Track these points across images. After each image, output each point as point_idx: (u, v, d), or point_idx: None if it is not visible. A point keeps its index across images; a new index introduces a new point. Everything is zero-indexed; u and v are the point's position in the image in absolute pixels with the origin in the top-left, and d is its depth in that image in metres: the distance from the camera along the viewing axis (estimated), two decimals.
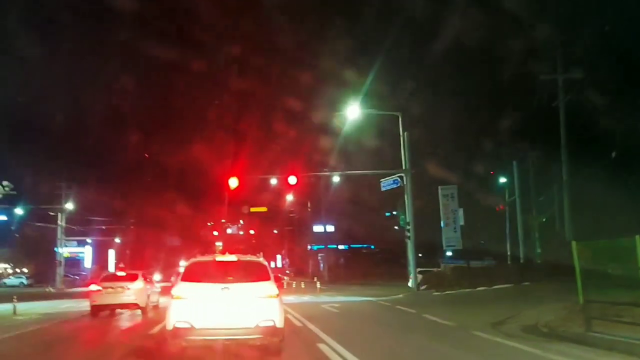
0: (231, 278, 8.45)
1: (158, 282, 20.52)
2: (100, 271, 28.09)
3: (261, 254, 10.03)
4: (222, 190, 26.58)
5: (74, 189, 45.88)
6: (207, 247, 50.03)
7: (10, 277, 54.31)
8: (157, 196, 55.28)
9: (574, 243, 12.86)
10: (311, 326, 12.21)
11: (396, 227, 41.00)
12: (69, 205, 45.86)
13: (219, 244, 59.67)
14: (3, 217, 43.99)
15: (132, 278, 17.32)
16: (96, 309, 16.61)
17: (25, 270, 57.61)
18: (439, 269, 33.21)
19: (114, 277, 17.95)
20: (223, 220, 77.72)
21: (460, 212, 28.12)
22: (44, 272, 49.13)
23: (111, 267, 49.18)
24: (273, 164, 32.16)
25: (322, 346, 9.24)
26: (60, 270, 46.26)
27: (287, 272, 50.99)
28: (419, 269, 26.62)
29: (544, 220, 35.29)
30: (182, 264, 40.46)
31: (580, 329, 9.96)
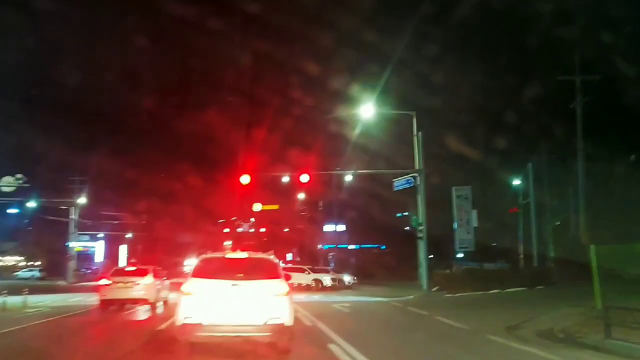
0: (241, 275, 8.40)
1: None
2: (111, 266, 28.14)
3: (272, 251, 9.88)
4: (234, 187, 26.41)
5: (87, 183, 46.11)
6: (218, 245, 50.02)
7: (23, 270, 54.74)
8: (169, 194, 55.54)
9: (592, 247, 12.55)
10: (322, 326, 12.03)
11: (407, 228, 40.67)
12: (82, 200, 46.06)
13: (227, 243, 59.52)
14: (15, 210, 44.25)
15: (142, 273, 17.25)
16: (105, 303, 16.57)
17: (38, 263, 58.08)
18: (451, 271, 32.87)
19: (124, 272, 17.90)
20: (234, 218, 77.79)
21: (474, 213, 27.73)
22: (57, 266, 49.52)
23: (122, 262, 49.40)
24: (285, 161, 32.00)
25: (333, 347, 9.06)
26: (71, 264, 46.51)
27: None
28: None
29: (558, 223, 34.77)
30: (188, 263, 40.58)
31: (599, 335, 9.68)
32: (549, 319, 12.64)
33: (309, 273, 31.31)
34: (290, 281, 30.95)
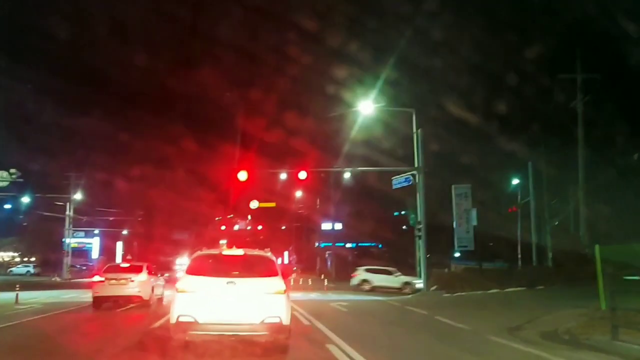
0: (237, 272, 8.21)
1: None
2: (106, 262, 27.82)
3: (269, 249, 9.65)
4: (231, 184, 26.06)
5: (83, 179, 45.68)
6: (213, 242, 49.73)
7: (18, 265, 54.33)
8: (166, 188, 55.19)
9: (597, 247, 12.34)
10: (319, 325, 11.77)
11: (405, 227, 40.44)
12: (78, 195, 45.65)
13: (223, 241, 59.26)
14: (8, 206, 43.81)
15: (137, 270, 16.91)
16: (99, 301, 16.23)
17: (32, 259, 57.66)
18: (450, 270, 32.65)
19: (117, 269, 17.56)
20: (230, 215, 77.54)
21: (474, 212, 27.42)
22: (52, 262, 49.16)
23: (118, 259, 49.02)
24: (282, 159, 31.59)
25: (331, 347, 8.79)
26: (67, 260, 46.16)
27: (294, 268, 50.55)
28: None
29: (556, 223, 34.59)
30: (180, 262, 40.17)
31: (604, 336, 9.45)
32: (551, 319, 12.40)
33: (398, 275, 28.71)
34: (374, 284, 29.31)
